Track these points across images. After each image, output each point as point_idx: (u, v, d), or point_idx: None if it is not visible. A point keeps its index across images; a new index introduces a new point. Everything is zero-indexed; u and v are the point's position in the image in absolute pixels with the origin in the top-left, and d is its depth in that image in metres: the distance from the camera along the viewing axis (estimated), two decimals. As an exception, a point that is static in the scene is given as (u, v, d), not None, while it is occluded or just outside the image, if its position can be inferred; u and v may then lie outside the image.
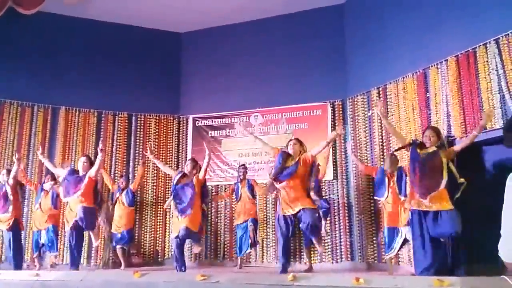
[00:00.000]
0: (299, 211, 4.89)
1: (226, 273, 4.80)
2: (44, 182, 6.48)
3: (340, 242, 6.82)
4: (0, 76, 7.31)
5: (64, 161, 7.25)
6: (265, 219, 7.27)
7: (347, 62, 7.36)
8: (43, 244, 6.37)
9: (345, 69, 7.35)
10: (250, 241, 6.43)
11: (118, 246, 6.73)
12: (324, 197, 6.73)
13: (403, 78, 6.28)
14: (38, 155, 6.21)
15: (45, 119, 7.55)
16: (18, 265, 5.78)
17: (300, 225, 4.97)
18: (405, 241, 5.28)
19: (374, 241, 6.49)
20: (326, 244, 6.76)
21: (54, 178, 6.42)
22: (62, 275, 4.36)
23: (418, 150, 4.47)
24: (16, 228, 5.92)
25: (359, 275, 3.28)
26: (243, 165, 7.00)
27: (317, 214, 5.06)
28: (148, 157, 6.55)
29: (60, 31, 7.82)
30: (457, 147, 4.51)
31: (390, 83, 6.48)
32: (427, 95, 5.89)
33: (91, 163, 5.72)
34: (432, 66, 5.81)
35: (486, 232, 4.75)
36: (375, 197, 5.90)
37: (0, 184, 6.02)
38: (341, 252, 6.80)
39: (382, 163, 6.35)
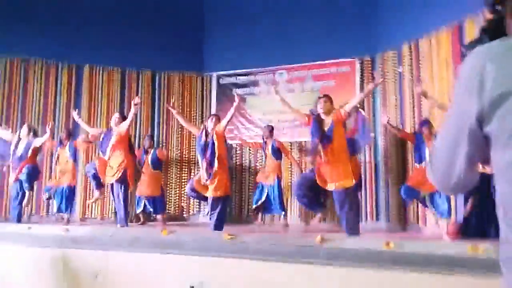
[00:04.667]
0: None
1: (252, 233, 4.76)
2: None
3: (366, 202, 6.74)
4: (26, 35, 7.22)
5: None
6: (290, 179, 7.19)
7: (377, 17, 6.97)
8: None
9: (374, 23, 6.97)
10: (279, 205, 6.36)
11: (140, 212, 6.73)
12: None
13: (437, 32, 5.94)
14: (74, 116, 6.17)
15: (70, 77, 7.54)
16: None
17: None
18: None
19: (400, 202, 6.37)
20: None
21: (69, 134, 6.50)
22: (92, 230, 4.43)
23: None
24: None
25: (386, 237, 3.23)
26: (269, 125, 6.82)
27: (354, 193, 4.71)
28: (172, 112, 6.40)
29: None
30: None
31: (423, 37, 6.16)
32: (462, 51, 5.55)
33: (123, 119, 5.68)
34: (468, 18, 5.46)
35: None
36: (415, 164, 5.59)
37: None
38: (366, 212, 6.73)
39: (412, 124, 6.16)
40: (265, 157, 6.67)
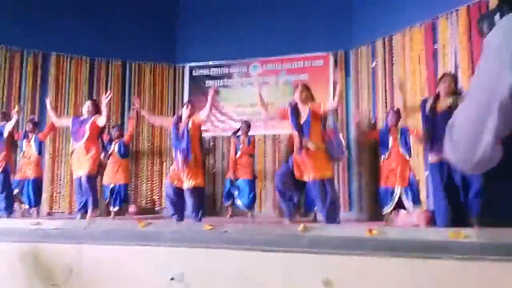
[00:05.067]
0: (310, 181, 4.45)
1: (233, 223, 4.70)
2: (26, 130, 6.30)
3: (339, 192, 6.79)
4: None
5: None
6: (263, 171, 7.18)
7: (351, 11, 7.07)
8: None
9: (349, 18, 7.07)
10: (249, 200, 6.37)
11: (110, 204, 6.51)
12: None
13: (410, 28, 6.07)
14: (47, 106, 5.87)
15: (35, 65, 7.22)
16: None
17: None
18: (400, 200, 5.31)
19: (373, 193, 6.48)
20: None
21: (35, 124, 6.29)
22: (65, 223, 4.26)
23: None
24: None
25: (363, 226, 3.26)
26: (246, 121, 6.76)
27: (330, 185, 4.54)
28: (136, 110, 6.22)
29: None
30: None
31: (396, 33, 6.26)
32: (435, 47, 5.71)
33: (96, 108, 5.48)
34: (441, 16, 5.61)
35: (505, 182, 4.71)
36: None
37: None
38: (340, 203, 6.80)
39: (384, 119, 6.26)
40: (239, 153, 6.57)
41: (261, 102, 4.88)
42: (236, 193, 6.50)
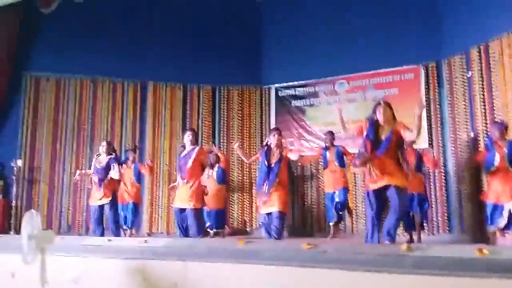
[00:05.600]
0: (388, 186, 4.15)
1: (331, 242, 4.67)
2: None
3: (437, 213, 6.47)
4: (93, 55, 7.58)
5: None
6: (354, 188, 7.04)
7: (441, 20, 6.80)
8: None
9: (439, 28, 6.80)
10: (343, 210, 6.25)
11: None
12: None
13: (508, 34, 5.69)
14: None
15: (135, 94, 7.83)
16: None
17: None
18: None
19: (475, 213, 6.06)
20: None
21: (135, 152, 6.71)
22: (170, 241, 4.51)
23: None
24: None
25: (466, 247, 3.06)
26: (330, 131, 6.60)
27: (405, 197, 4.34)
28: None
29: (144, 8, 7.95)
30: None
31: (493, 40, 5.91)
32: (538, 52, 5.31)
33: (196, 137, 5.76)
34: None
35: None
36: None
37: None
38: (438, 224, 6.45)
39: (484, 130, 5.91)
40: (327, 166, 6.46)
41: (341, 123, 4.53)
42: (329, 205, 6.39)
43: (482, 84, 6.06)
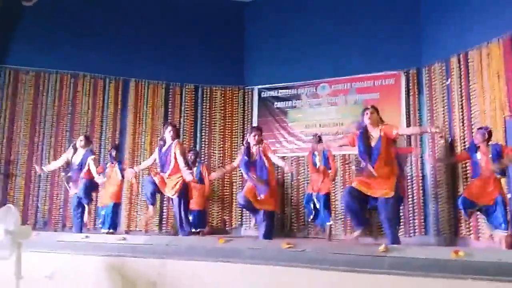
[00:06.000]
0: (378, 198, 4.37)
1: (311, 242, 4.71)
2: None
3: (414, 215, 6.59)
4: (74, 50, 7.50)
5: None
6: (333, 191, 7.10)
7: (423, 28, 6.94)
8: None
9: (420, 35, 6.94)
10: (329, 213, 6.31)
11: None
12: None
13: (488, 43, 5.85)
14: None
15: (117, 90, 7.76)
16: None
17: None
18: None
19: (451, 216, 6.19)
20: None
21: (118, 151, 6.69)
22: (148, 239, 4.48)
23: None
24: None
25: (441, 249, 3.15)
26: (317, 134, 6.69)
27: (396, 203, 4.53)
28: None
29: (128, 5, 7.91)
30: None
31: (473, 49, 6.06)
32: (516, 61, 5.48)
33: (177, 132, 5.68)
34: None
35: None
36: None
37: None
38: (414, 226, 6.58)
39: (461, 136, 6.06)
40: (314, 168, 6.51)
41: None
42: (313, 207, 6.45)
43: (461, 92, 6.21)
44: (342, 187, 7.00)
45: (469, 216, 5.21)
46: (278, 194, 7.37)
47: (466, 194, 5.05)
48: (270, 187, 5.24)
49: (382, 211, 4.35)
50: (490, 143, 5.10)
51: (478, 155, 5.09)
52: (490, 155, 4.99)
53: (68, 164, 6.20)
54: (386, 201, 4.31)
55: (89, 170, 5.98)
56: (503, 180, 5.11)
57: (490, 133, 5.18)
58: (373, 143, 4.43)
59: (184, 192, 5.44)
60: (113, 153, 6.63)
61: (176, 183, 5.35)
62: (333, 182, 6.82)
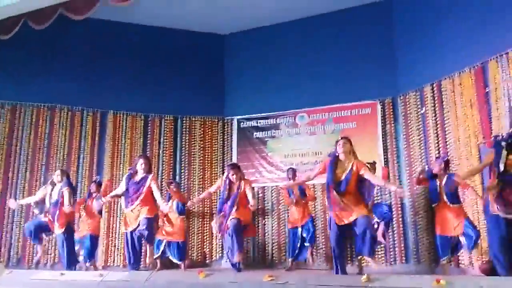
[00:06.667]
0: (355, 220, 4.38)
1: (294, 274, 4.65)
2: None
3: (394, 244, 6.61)
4: (51, 82, 7.45)
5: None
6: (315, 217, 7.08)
7: (397, 58, 7.15)
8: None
9: (395, 65, 7.14)
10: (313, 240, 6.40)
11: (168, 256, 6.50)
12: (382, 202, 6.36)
13: (459, 73, 6.06)
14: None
15: (94, 123, 7.68)
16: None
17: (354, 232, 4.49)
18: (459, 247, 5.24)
19: (430, 243, 6.23)
20: (380, 247, 6.46)
21: (99, 185, 6.55)
22: (126, 275, 4.36)
23: None
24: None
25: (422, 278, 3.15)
26: (292, 168, 6.84)
27: (372, 223, 4.74)
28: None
29: (106, 37, 7.93)
30: None
31: (445, 78, 6.27)
32: (487, 90, 5.67)
33: (150, 164, 5.65)
34: (491, 59, 5.61)
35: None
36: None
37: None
38: (395, 254, 6.59)
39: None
40: (293, 201, 6.51)
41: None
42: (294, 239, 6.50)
43: (435, 120, 6.38)
44: (322, 216, 7.01)
45: (452, 253, 5.32)
46: (257, 224, 7.39)
47: (439, 231, 5.18)
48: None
49: (361, 226, 4.29)
50: (448, 172, 5.32)
51: (437, 182, 5.30)
52: (444, 184, 5.19)
53: (43, 200, 6.04)
54: (363, 217, 4.32)
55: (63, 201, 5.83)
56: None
57: (447, 162, 5.39)
58: (344, 174, 4.48)
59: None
60: (93, 187, 6.51)
61: (138, 215, 5.34)
62: (313, 210, 6.87)
